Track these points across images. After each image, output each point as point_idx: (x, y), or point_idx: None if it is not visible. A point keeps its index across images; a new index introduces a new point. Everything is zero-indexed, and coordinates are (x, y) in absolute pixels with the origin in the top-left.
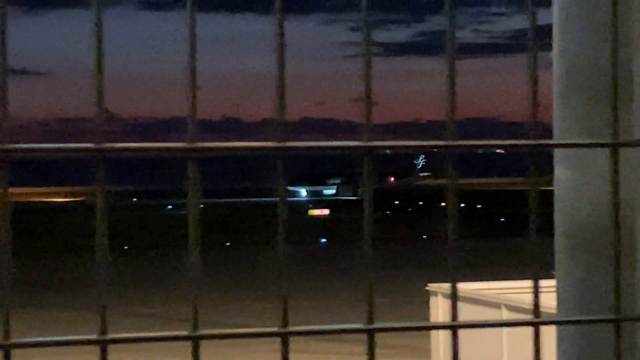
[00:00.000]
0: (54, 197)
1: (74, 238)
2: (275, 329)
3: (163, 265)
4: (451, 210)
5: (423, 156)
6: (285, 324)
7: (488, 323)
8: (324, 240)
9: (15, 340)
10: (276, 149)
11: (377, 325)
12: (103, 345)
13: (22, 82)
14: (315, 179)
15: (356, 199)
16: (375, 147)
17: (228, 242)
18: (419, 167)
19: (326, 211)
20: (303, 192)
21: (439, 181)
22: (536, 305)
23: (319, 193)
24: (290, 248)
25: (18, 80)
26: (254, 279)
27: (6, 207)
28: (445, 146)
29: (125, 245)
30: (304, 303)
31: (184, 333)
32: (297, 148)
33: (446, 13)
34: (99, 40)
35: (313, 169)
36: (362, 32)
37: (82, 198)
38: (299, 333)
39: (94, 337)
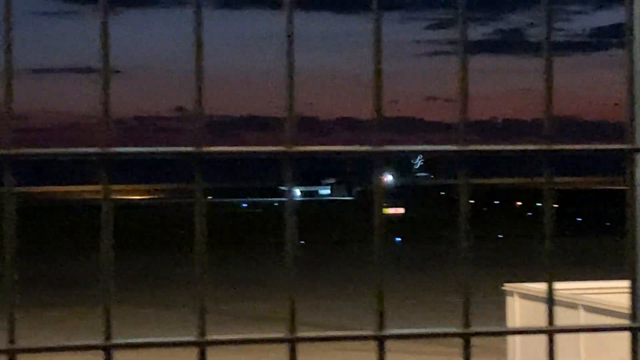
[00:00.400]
0: (132, 195)
1: (156, 235)
2: (371, 332)
3: (248, 263)
4: (547, 211)
5: (420, 156)
6: (381, 327)
7: (584, 328)
8: (398, 239)
9: (116, 341)
10: (376, 153)
11: (474, 329)
12: (202, 347)
13: (99, 81)
14: (308, 178)
15: (351, 199)
16: (474, 150)
17: (302, 240)
18: (416, 167)
19: (401, 210)
20: (297, 192)
21: (536, 180)
22: (634, 309)
23: (314, 193)
24: (384, 248)
25: (95, 78)
26: (331, 278)
27: (109, 206)
28: (543, 150)
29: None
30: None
31: (281, 335)
32: (395, 151)
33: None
34: (199, 43)
35: (306, 168)
36: (459, 31)
37: (162, 196)
38: (396, 336)
39: (193, 338)
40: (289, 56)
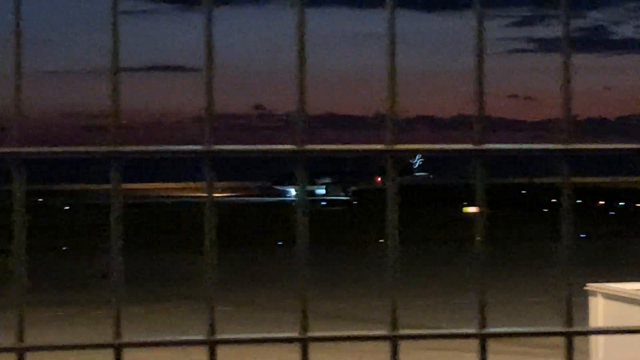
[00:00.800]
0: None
1: (243, 233)
2: (472, 331)
3: (335, 263)
4: None
5: (419, 155)
6: (483, 325)
7: None
8: (478, 238)
9: (220, 336)
10: (475, 151)
11: (576, 328)
12: (304, 343)
13: (179, 79)
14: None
15: (346, 199)
16: (575, 150)
17: (381, 239)
18: (415, 166)
19: None
20: (292, 191)
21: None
22: None
23: (311, 193)
24: (485, 247)
25: (175, 77)
26: (411, 277)
27: (212, 204)
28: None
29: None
30: (456, 301)
31: (382, 333)
32: (496, 150)
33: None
34: (302, 41)
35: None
36: (563, 29)
37: (240, 194)
38: (496, 335)
39: (295, 335)
40: (390, 56)
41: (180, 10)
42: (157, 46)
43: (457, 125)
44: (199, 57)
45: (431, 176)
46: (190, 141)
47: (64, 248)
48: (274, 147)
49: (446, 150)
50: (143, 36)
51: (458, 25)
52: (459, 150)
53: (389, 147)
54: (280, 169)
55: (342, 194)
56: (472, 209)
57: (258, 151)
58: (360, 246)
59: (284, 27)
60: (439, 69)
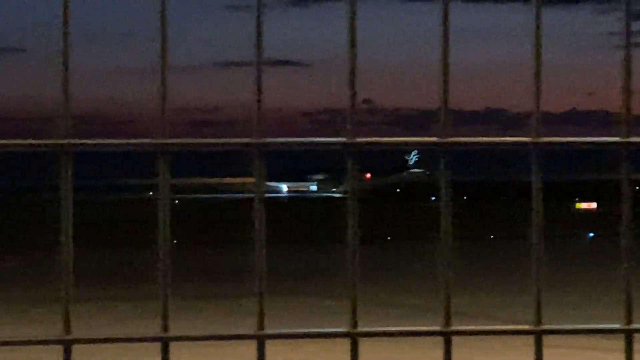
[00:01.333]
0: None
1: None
2: (618, 326)
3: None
4: None
5: (416, 152)
6: (629, 321)
7: None
8: (591, 234)
9: (361, 329)
10: (623, 144)
11: None
12: (447, 336)
13: (287, 74)
14: (297, 175)
15: (339, 196)
16: None
17: (493, 234)
18: (411, 162)
19: (594, 205)
20: (284, 187)
21: None
22: None
23: (306, 190)
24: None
25: (282, 71)
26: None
27: (355, 200)
28: None
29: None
30: (565, 299)
31: (525, 327)
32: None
33: None
34: (446, 36)
35: (295, 164)
36: None
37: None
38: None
39: (438, 328)
40: (537, 52)
41: (291, 5)
42: (268, 42)
43: (569, 119)
44: (311, 51)
45: (428, 172)
46: (298, 134)
47: (175, 242)
48: (417, 139)
49: (594, 143)
50: (249, 32)
51: (571, 20)
52: (608, 143)
53: (534, 140)
54: (273, 165)
55: (335, 190)
56: (584, 205)
57: (402, 143)
58: (468, 241)
59: (394, 21)
60: (555, 63)
